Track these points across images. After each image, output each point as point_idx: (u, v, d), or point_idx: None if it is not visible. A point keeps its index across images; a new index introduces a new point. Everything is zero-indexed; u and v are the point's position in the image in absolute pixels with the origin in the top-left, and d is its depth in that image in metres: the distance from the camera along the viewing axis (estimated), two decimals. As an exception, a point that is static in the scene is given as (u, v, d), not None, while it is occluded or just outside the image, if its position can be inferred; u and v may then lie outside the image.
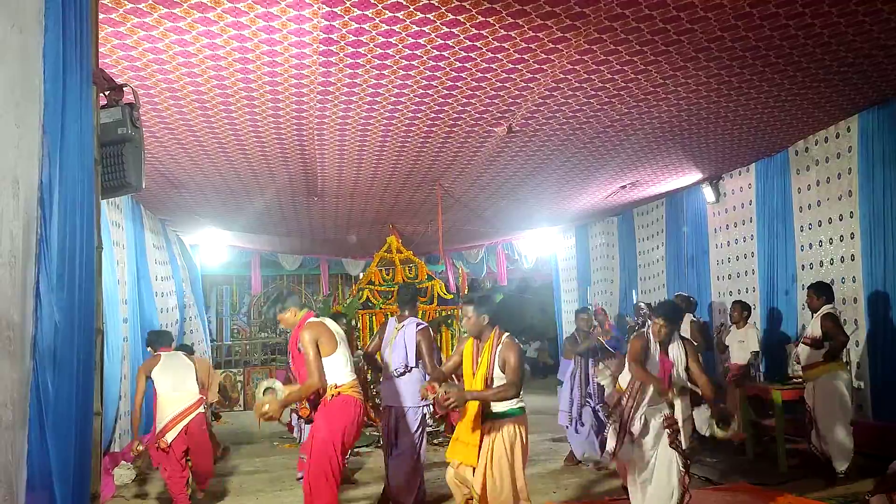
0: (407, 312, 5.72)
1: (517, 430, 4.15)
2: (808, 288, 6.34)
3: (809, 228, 7.38)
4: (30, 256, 2.24)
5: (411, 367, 5.50)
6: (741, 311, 7.36)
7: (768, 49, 4.84)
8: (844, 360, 6.15)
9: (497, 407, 4.14)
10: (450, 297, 9.85)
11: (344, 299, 12.56)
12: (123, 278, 7.69)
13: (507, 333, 4.22)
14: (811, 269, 7.32)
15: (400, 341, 5.55)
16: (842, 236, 6.92)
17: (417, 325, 5.64)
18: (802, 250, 7.48)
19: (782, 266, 7.74)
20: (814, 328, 6.07)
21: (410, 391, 5.39)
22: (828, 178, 7.11)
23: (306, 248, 13.97)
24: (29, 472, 2.23)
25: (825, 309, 6.04)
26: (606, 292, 12.15)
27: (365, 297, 9.44)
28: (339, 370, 4.56)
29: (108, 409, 6.70)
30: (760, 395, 6.95)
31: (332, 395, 4.52)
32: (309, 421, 6.67)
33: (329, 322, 4.72)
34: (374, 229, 11.34)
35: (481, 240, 13.93)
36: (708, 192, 9.05)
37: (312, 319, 4.67)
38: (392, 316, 6.14)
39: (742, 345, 7.23)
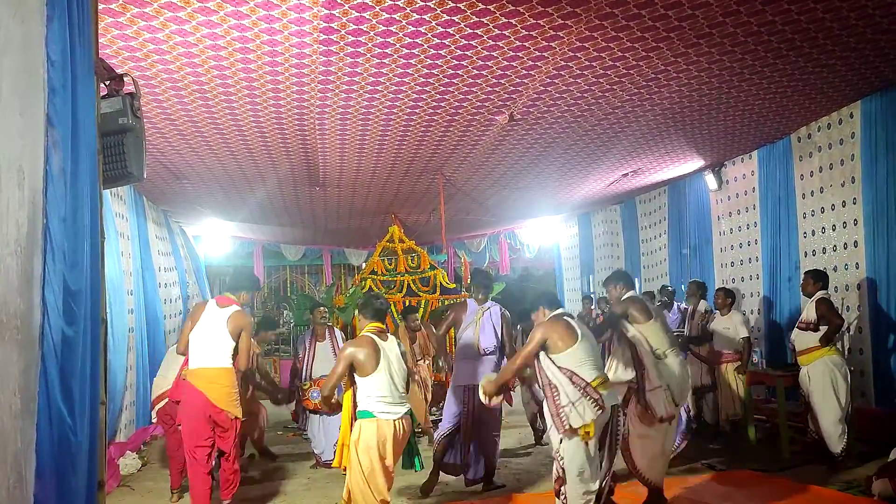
0: (481, 296, 5.94)
1: (358, 432, 4.14)
2: (806, 273, 6.39)
3: (812, 215, 7.37)
4: (35, 246, 2.25)
5: (497, 348, 5.82)
6: (725, 297, 7.37)
7: (770, 34, 4.82)
8: (838, 345, 6.16)
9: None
10: (452, 286, 9.86)
11: (347, 289, 12.59)
12: (129, 269, 7.72)
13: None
14: (814, 255, 7.32)
15: (488, 323, 5.81)
16: (845, 223, 6.91)
17: (500, 308, 5.96)
18: (805, 237, 7.48)
19: (785, 253, 7.75)
20: (808, 312, 6.11)
21: (489, 370, 5.64)
22: (830, 164, 7.10)
23: (309, 239, 13.99)
24: (38, 460, 2.25)
25: (819, 294, 6.08)
26: (609, 281, 12.15)
27: (368, 286, 9.45)
28: (193, 354, 4.89)
29: (113, 400, 6.74)
30: (763, 381, 6.97)
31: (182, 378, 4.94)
32: (314, 411, 6.75)
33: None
34: (377, 219, 11.36)
35: (484, 229, 13.94)
36: (710, 180, 9.04)
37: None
38: (466, 298, 6.39)
39: (727, 331, 7.25)
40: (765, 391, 7.85)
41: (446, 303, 9.49)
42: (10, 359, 2.08)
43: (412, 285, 9.03)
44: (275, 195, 9.26)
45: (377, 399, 4.16)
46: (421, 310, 9.10)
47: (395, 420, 4.17)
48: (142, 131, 3.30)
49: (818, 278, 6.20)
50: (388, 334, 4.38)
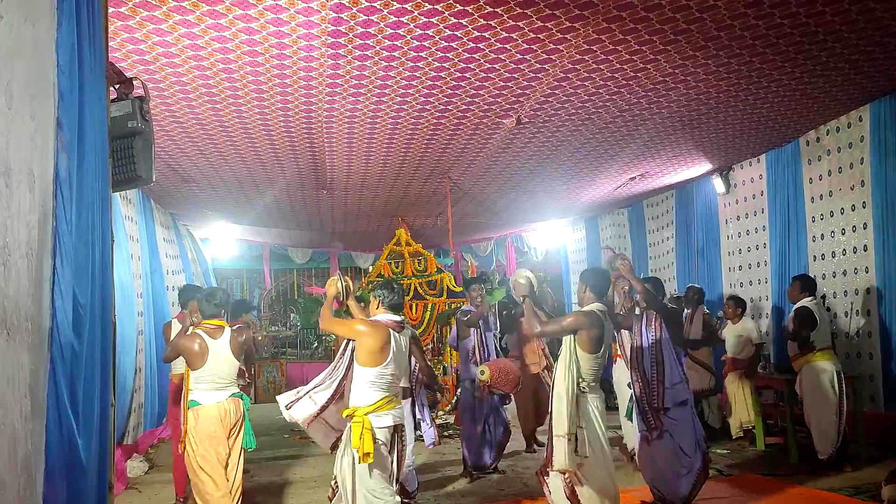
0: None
1: None
2: (794, 279, 6.41)
3: (821, 219, 7.33)
4: (46, 249, 2.26)
5: None
6: (735, 307, 7.38)
7: (778, 37, 4.81)
8: (828, 350, 6.13)
9: None
10: (459, 289, 9.84)
11: (354, 292, 12.58)
12: (138, 272, 7.75)
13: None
14: (823, 259, 7.28)
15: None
16: (854, 227, 6.87)
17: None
18: (814, 241, 7.44)
19: (794, 257, 7.71)
20: (789, 322, 6.15)
21: None
22: (840, 168, 7.07)
23: (316, 242, 14.01)
24: (47, 462, 2.25)
25: (802, 302, 6.10)
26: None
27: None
28: None
29: (122, 402, 6.75)
30: (771, 386, 6.95)
31: None
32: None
33: None
34: (384, 222, 11.36)
35: (490, 232, 13.93)
36: (718, 184, 9.01)
37: None
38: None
39: (740, 339, 7.24)
40: (773, 396, 7.82)
41: (453, 306, 9.49)
42: (20, 361, 2.09)
43: (419, 288, 9.03)
44: (282, 198, 9.28)
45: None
46: (427, 314, 9.11)
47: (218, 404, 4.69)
48: (151, 134, 3.32)
49: (806, 286, 6.24)
50: (224, 330, 4.74)
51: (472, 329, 6.48)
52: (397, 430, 4.05)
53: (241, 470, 4.84)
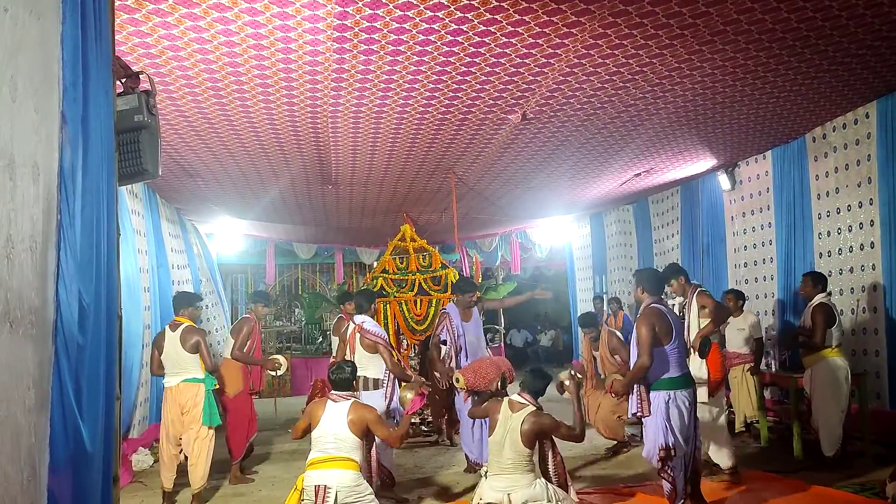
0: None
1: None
2: (805, 275, 6.38)
3: (827, 216, 7.30)
4: (50, 242, 2.26)
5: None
6: (736, 300, 7.36)
7: (784, 32, 4.78)
8: (841, 346, 6.12)
9: None
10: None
11: (358, 287, 12.59)
12: (145, 266, 7.77)
13: None
14: (829, 256, 7.25)
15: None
16: (861, 224, 6.84)
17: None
18: (820, 238, 7.41)
19: (800, 254, 7.68)
20: (807, 318, 6.12)
21: None
22: (846, 164, 7.03)
23: (321, 237, 14.02)
24: (52, 455, 2.26)
25: (818, 298, 6.07)
26: (622, 281, 12.10)
27: (379, 285, 9.45)
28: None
29: (127, 396, 6.78)
30: (776, 382, 6.94)
31: None
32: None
33: None
34: (388, 218, 11.36)
35: (495, 228, 13.92)
36: (723, 180, 8.98)
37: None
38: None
39: (741, 332, 7.22)
40: (778, 392, 7.80)
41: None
42: (24, 354, 2.10)
43: (423, 284, 9.02)
44: (287, 193, 9.28)
45: None
46: (432, 309, 9.10)
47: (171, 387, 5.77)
48: (157, 128, 3.32)
49: (818, 281, 6.22)
50: (180, 325, 5.80)
51: (446, 334, 6.60)
52: None
53: (203, 453, 5.68)
